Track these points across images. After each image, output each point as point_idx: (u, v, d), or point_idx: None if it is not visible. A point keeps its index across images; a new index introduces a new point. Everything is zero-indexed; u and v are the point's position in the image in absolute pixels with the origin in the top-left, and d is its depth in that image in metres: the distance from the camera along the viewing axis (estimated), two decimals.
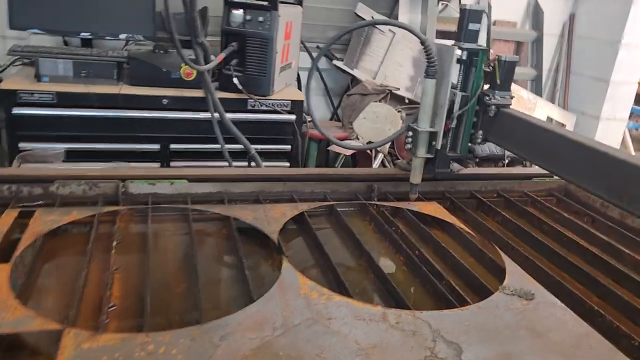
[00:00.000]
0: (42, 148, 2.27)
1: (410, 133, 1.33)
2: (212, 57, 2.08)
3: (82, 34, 2.48)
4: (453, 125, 1.31)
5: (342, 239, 1.30)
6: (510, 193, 1.61)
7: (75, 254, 1.09)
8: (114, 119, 2.31)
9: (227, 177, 1.49)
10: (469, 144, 1.38)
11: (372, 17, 3.04)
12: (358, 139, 2.84)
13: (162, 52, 2.34)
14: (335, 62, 3.10)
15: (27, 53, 2.22)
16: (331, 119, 3.57)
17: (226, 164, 2.14)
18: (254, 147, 2.54)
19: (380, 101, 2.79)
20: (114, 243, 1.10)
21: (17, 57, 2.27)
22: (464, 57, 1.28)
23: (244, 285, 0.98)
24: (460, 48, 1.28)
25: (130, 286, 0.98)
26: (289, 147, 2.61)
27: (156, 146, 2.44)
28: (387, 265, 1.15)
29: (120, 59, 2.29)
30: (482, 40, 1.34)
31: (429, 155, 1.34)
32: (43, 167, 1.92)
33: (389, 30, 3.10)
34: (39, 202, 1.29)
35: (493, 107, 1.25)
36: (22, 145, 2.26)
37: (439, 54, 1.32)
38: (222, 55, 2.15)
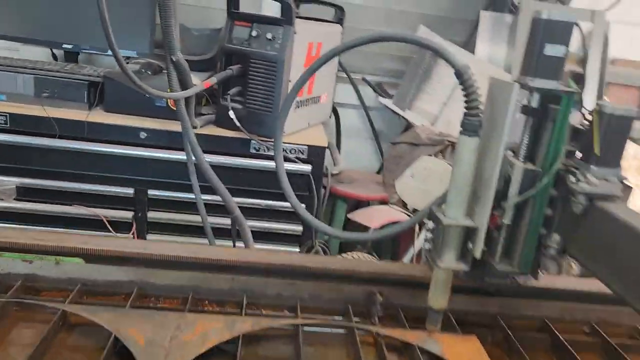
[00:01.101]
0: None
1: (431, 224, 0.88)
2: (199, 81, 1.78)
3: (64, 45, 2.30)
4: (507, 220, 0.85)
5: None
6: (610, 329, 1.12)
7: None
8: (77, 153, 2.06)
9: (147, 257, 1.12)
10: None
11: None
12: (403, 203, 2.39)
13: (148, 73, 2.09)
14: (381, 99, 2.71)
15: None
16: (379, 172, 3.14)
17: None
18: (257, 203, 2.20)
19: (436, 155, 2.34)
20: None
21: None
22: (534, 104, 0.84)
23: None
24: (525, 87, 0.83)
25: None
26: (303, 206, 2.21)
27: (129, 190, 2.15)
28: None
29: (94, 79, 2.06)
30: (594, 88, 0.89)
31: (461, 267, 0.88)
32: None
33: None
34: None
35: (581, 196, 0.78)
36: None
37: (491, 96, 0.88)
38: (211, 81, 1.83)
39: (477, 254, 0.86)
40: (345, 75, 2.89)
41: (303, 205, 2.17)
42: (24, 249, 1.07)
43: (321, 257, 1.27)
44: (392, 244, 2.53)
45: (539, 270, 0.96)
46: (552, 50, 0.78)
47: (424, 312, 1.04)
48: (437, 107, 2.65)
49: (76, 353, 0.90)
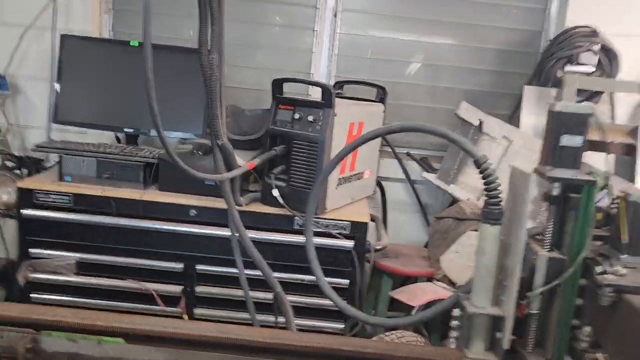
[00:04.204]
0: (54, 256, 2.21)
1: (458, 312, 0.88)
2: (243, 162, 1.87)
3: (125, 129, 2.50)
4: (533, 309, 0.83)
5: None
6: None
7: None
8: (132, 230, 2.18)
9: (187, 337, 1.15)
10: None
11: (479, 120, 2.66)
12: (449, 280, 2.34)
13: (199, 153, 2.22)
14: (425, 174, 2.72)
15: (52, 150, 2.25)
16: (427, 245, 3.10)
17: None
18: (301, 278, 2.21)
19: None
20: None
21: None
22: (555, 193, 0.84)
23: None
24: (544, 177, 0.84)
25: None
26: (346, 282, 2.22)
27: (179, 265, 2.23)
28: None
29: (149, 160, 2.21)
30: None
31: (491, 358, 0.86)
32: None
33: (503, 136, 2.67)
34: None
35: (607, 289, 0.76)
36: (32, 251, 2.23)
37: (511, 185, 0.89)
38: (255, 162, 1.93)
39: (505, 344, 0.84)
40: (390, 150, 2.94)
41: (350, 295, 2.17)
42: (71, 329, 1.14)
43: (355, 340, 1.26)
44: (440, 321, 2.44)
45: None
46: (568, 140, 0.79)
47: None
48: (481, 182, 2.62)
49: None
